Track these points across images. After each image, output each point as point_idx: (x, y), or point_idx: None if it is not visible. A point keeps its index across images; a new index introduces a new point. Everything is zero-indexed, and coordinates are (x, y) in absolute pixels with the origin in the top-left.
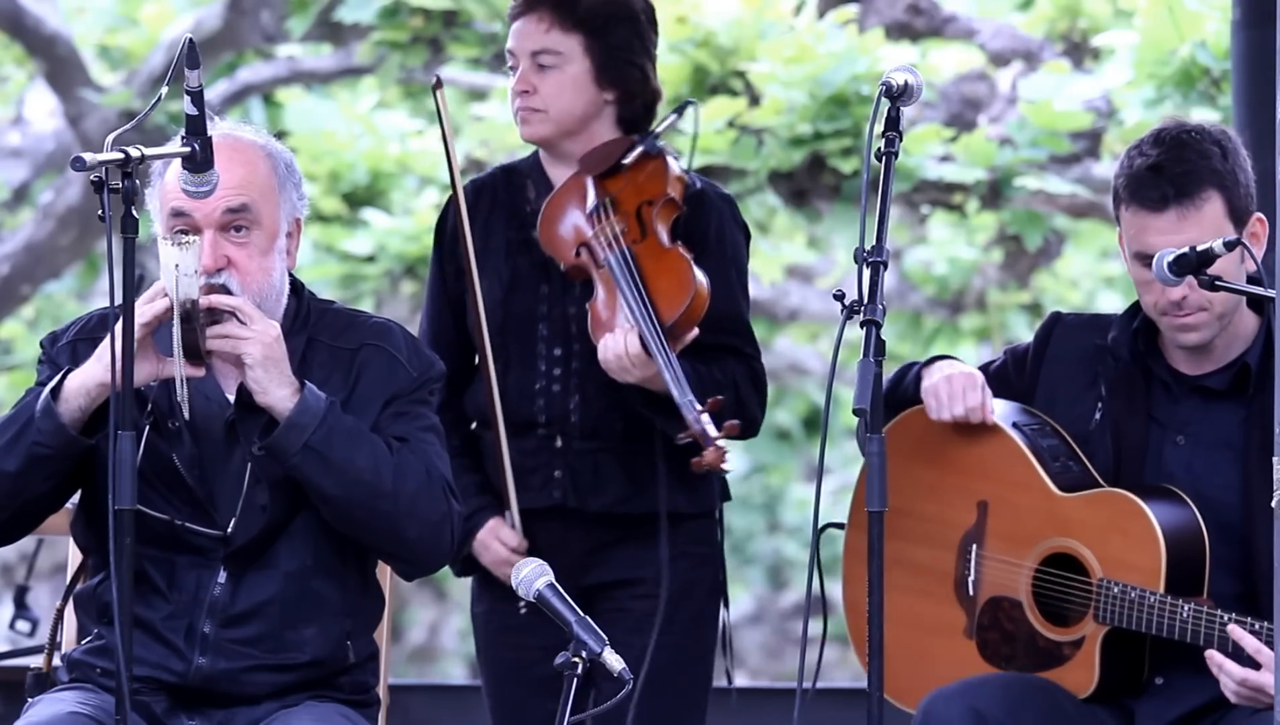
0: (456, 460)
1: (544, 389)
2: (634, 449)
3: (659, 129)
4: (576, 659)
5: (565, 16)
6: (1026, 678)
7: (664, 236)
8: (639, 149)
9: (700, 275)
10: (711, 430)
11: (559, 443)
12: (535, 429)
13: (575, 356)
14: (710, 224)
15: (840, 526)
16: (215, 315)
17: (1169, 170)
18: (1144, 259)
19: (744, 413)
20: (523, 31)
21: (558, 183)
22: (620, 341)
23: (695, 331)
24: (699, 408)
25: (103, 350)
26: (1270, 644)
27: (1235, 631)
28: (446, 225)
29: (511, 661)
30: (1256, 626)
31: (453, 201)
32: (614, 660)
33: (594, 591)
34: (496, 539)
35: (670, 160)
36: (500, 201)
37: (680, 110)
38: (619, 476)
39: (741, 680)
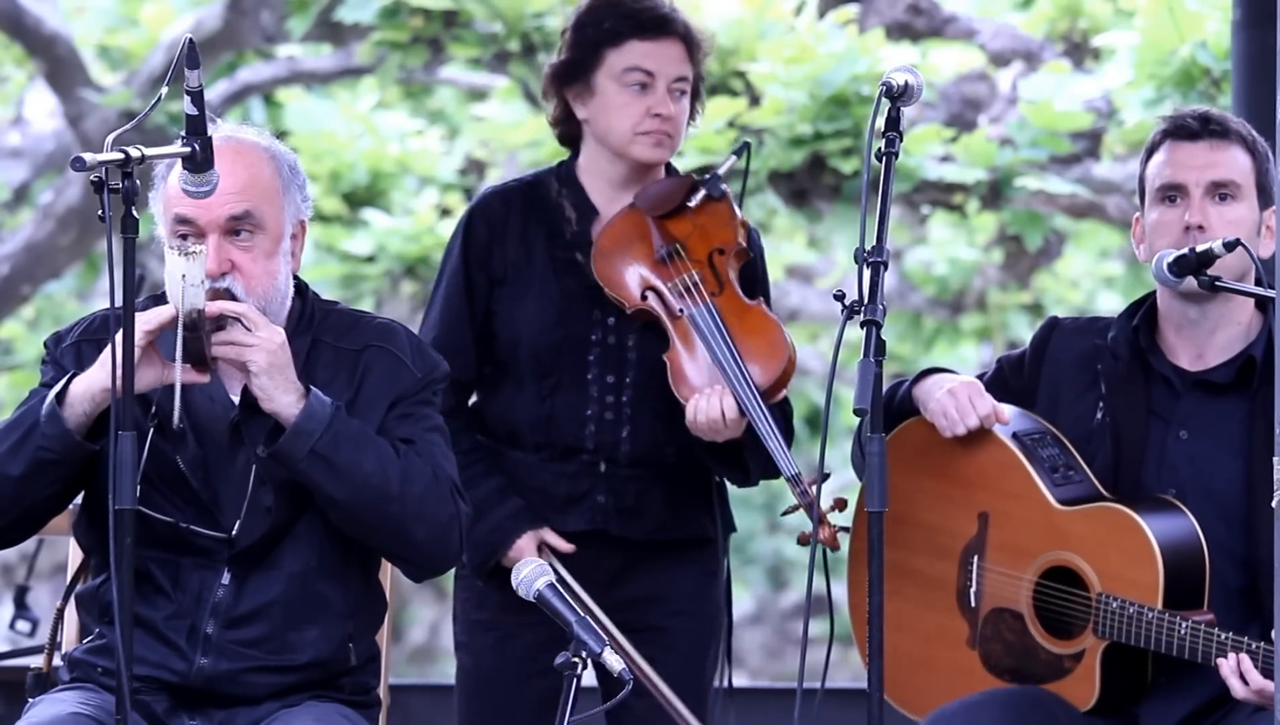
0: (474, 465)
1: (595, 416)
2: (676, 476)
3: (722, 170)
4: (576, 659)
5: (692, 50)
6: (1027, 695)
7: (739, 290)
8: (703, 191)
9: (789, 338)
10: (822, 506)
11: (603, 468)
12: (580, 454)
13: (628, 387)
14: (759, 265)
15: (845, 530)
16: (220, 321)
17: (1206, 112)
18: (1168, 194)
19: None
20: (665, 55)
21: (600, 204)
22: (716, 406)
23: (784, 394)
24: (805, 482)
25: (107, 356)
26: (1269, 666)
27: (1244, 663)
28: (477, 232)
29: (518, 673)
30: (1254, 647)
31: (490, 209)
32: (614, 660)
33: (618, 609)
34: (543, 546)
35: (734, 205)
36: (533, 217)
37: (740, 151)
38: (660, 503)
39: (741, 680)
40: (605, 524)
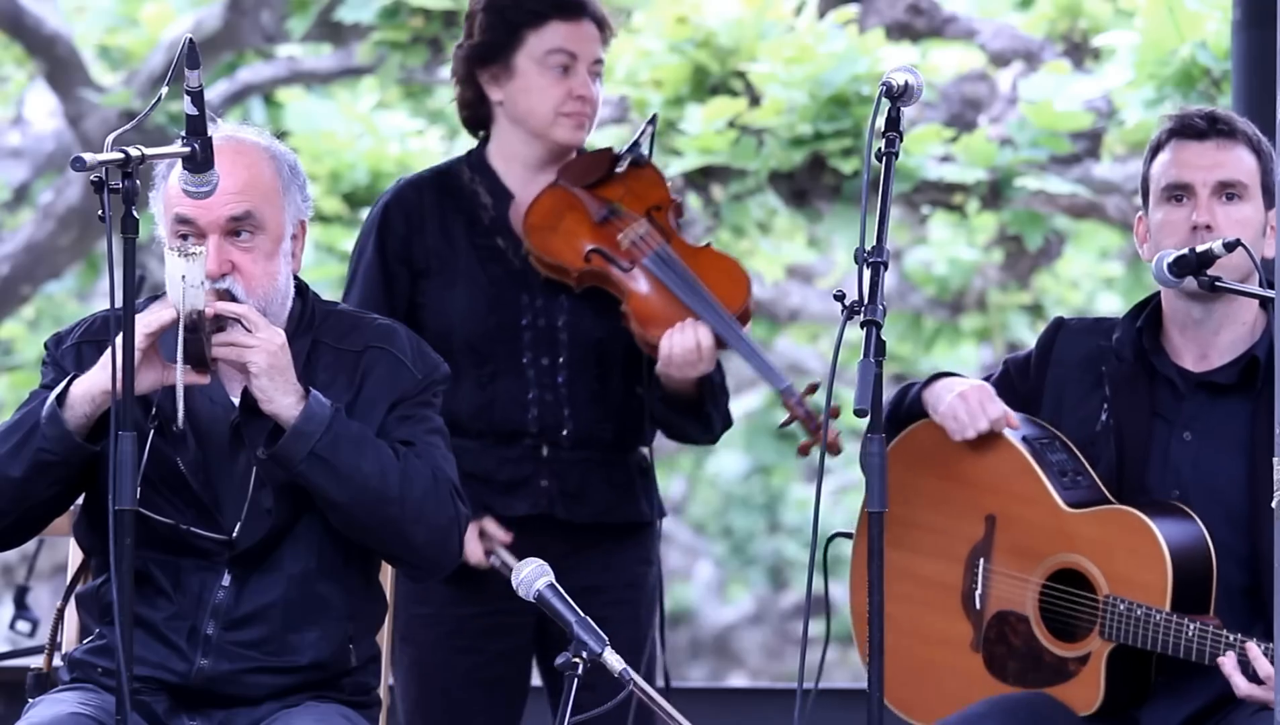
0: None
1: (536, 399)
2: (615, 458)
3: (641, 138)
4: (577, 659)
5: (605, 32)
6: (1029, 703)
7: (685, 237)
8: (629, 158)
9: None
10: (817, 416)
11: (545, 452)
12: (523, 438)
13: (562, 367)
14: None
15: (848, 536)
16: (220, 322)
17: (1213, 111)
18: (1175, 193)
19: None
20: (584, 36)
21: (516, 188)
22: (691, 337)
23: (749, 323)
24: (799, 392)
25: (108, 357)
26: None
27: (1251, 650)
28: (393, 224)
29: (466, 665)
30: (1262, 648)
31: (406, 201)
32: (614, 660)
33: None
34: (479, 536)
35: (658, 170)
36: (450, 205)
37: (653, 121)
38: (602, 486)
39: (741, 680)
40: (550, 508)
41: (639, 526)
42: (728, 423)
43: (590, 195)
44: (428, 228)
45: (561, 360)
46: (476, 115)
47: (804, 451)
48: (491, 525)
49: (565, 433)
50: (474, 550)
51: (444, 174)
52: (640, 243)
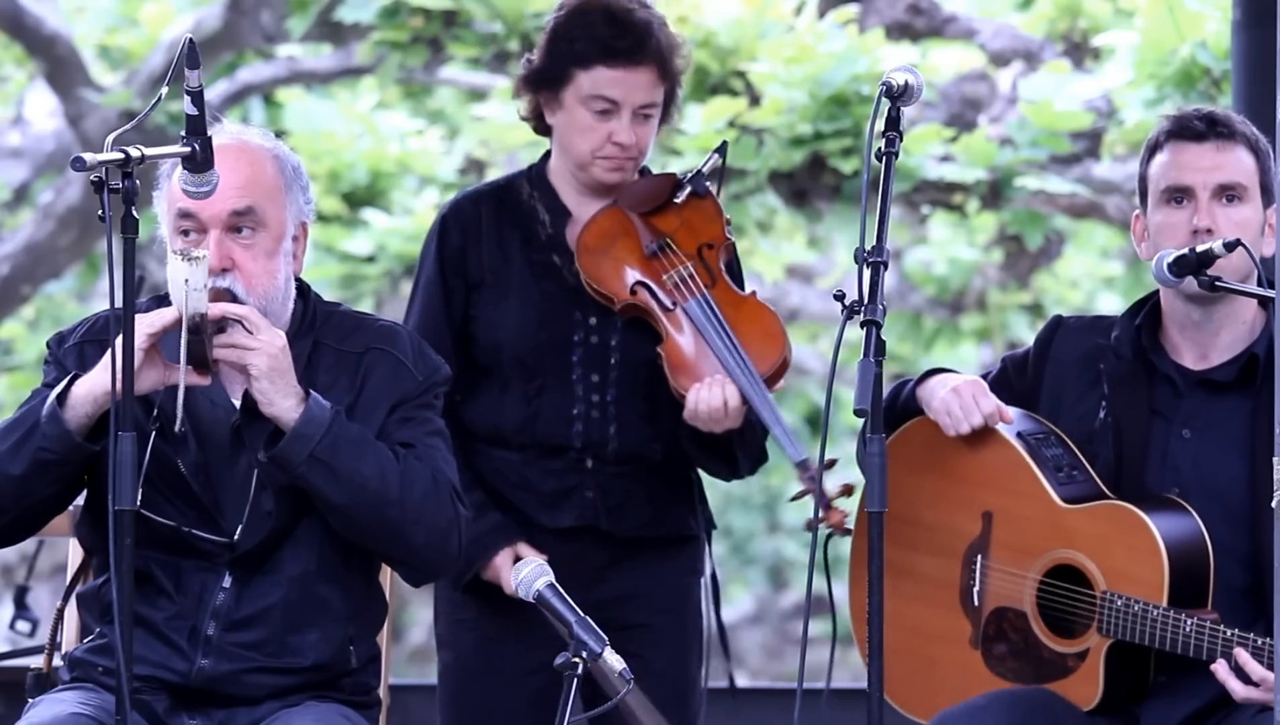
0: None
1: (582, 414)
2: (661, 473)
3: (705, 168)
4: (577, 659)
5: (665, 71)
6: (1031, 697)
7: (731, 282)
8: (689, 189)
9: (784, 326)
10: (830, 490)
11: (590, 464)
12: (567, 452)
13: (612, 384)
14: (736, 263)
15: (847, 532)
16: (222, 324)
17: (1211, 113)
18: (1174, 196)
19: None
20: (632, 83)
21: (573, 207)
22: (719, 395)
23: (782, 383)
24: (813, 467)
25: (109, 358)
26: (1272, 663)
27: (1240, 656)
28: (450, 237)
29: (506, 670)
30: (1259, 643)
31: (463, 214)
32: (614, 660)
33: (601, 606)
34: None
35: (718, 201)
36: (507, 220)
37: (721, 150)
38: (646, 499)
39: (741, 680)
40: (595, 519)
41: (685, 539)
42: (761, 460)
43: (645, 223)
44: (484, 241)
45: (612, 377)
46: (542, 126)
47: (810, 527)
48: (527, 551)
49: (611, 448)
50: (507, 580)
51: (504, 189)
52: (684, 284)
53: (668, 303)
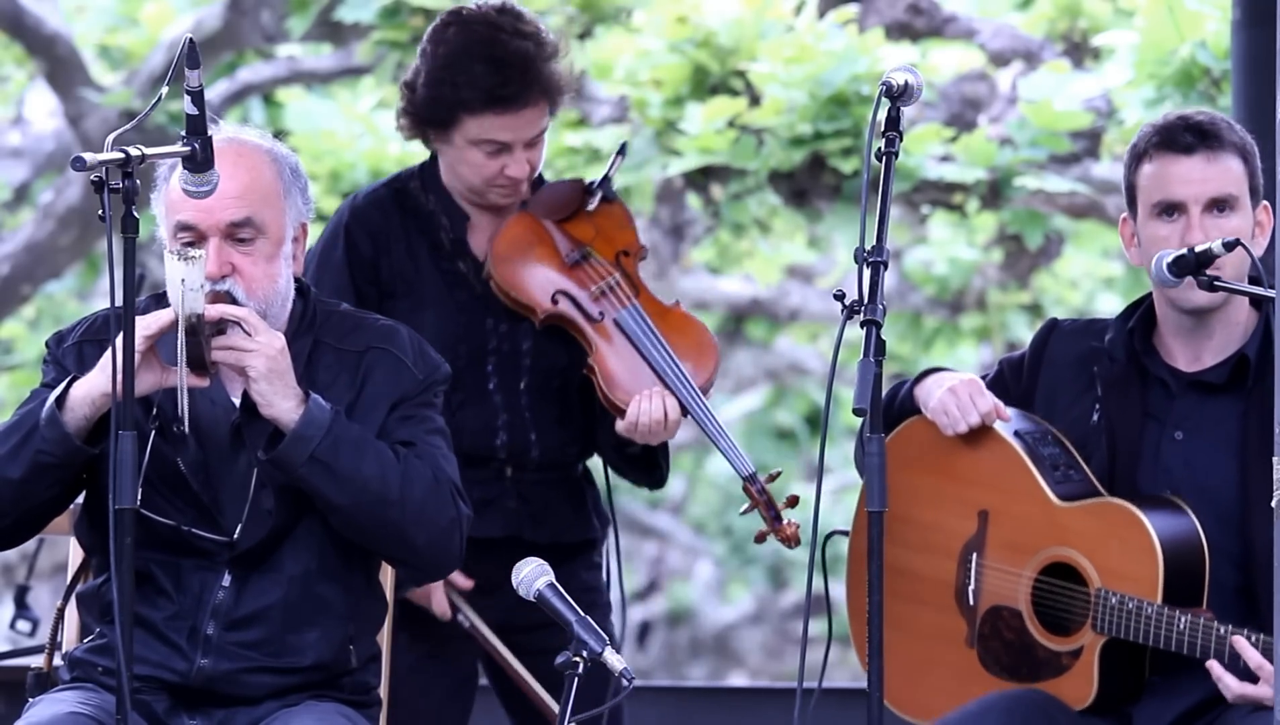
0: None
1: (506, 424)
2: (572, 478)
3: (613, 171)
4: (577, 659)
5: (552, 96)
6: (1027, 700)
7: (652, 291)
8: (600, 195)
9: (713, 335)
10: (778, 504)
11: (509, 473)
12: (491, 462)
13: (524, 392)
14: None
15: (845, 533)
16: (220, 325)
17: (1198, 122)
18: (1165, 210)
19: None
20: (521, 122)
21: (470, 212)
22: (659, 407)
23: (711, 394)
24: (761, 480)
25: (107, 359)
26: (1269, 658)
27: (1239, 643)
28: (359, 244)
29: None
30: (1254, 639)
31: (369, 220)
32: (615, 660)
33: (532, 629)
34: (445, 582)
35: (626, 206)
36: (412, 225)
37: (623, 150)
38: (563, 506)
39: (742, 680)
40: (519, 529)
41: (590, 543)
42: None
43: (561, 232)
44: (393, 248)
45: (523, 385)
46: (424, 140)
47: (760, 539)
48: (456, 575)
49: (533, 456)
50: (440, 601)
51: (400, 192)
52: (611, 294)
53: (594, 313)
